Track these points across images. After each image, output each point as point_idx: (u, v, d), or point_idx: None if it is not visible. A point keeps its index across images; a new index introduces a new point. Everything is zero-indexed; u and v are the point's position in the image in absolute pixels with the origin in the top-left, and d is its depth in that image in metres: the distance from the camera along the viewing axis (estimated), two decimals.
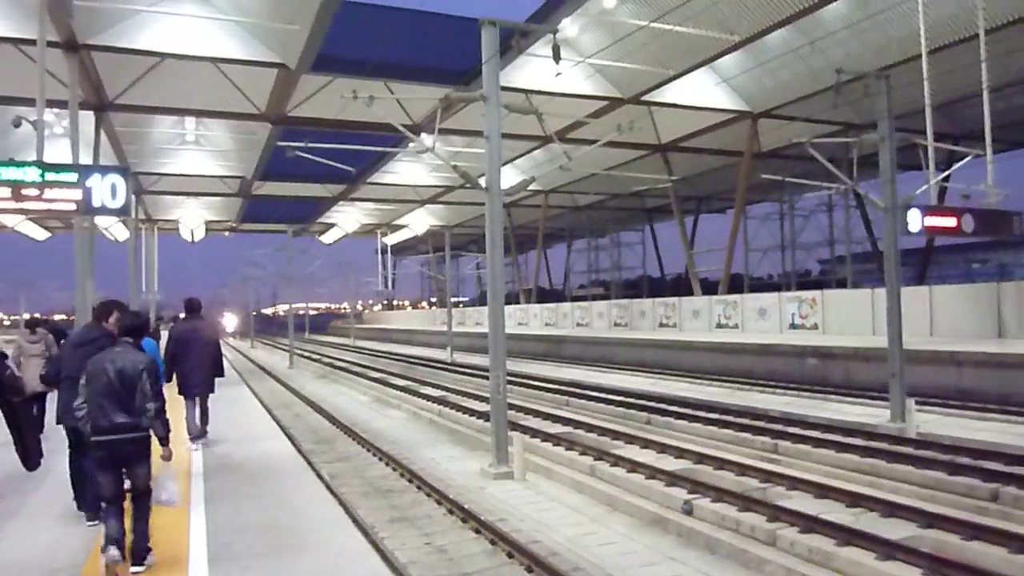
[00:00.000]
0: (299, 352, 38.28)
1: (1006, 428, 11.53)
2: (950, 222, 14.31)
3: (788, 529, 7.17)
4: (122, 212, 8.75)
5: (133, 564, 5.11)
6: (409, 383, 22.43)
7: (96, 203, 8.49)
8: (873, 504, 7.87)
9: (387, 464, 11.39)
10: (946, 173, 16.39)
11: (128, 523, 5.16)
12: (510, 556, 6.87)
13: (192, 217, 44.85)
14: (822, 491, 8.46)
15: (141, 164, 30.59)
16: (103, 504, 5.22)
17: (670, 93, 24.33)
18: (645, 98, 24.51)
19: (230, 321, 69.95)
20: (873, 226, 34.41)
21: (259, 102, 23.07)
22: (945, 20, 19.05)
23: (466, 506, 8.30)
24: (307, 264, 44.84)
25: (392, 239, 58.48)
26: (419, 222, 50.27)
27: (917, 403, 12.36)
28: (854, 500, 8.05)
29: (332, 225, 53.27)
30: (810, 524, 7.14)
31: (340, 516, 6.84)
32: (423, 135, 20.41)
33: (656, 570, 6.64)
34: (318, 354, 42.01)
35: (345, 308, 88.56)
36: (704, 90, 24.73)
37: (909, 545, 6.44)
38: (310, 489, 7.64)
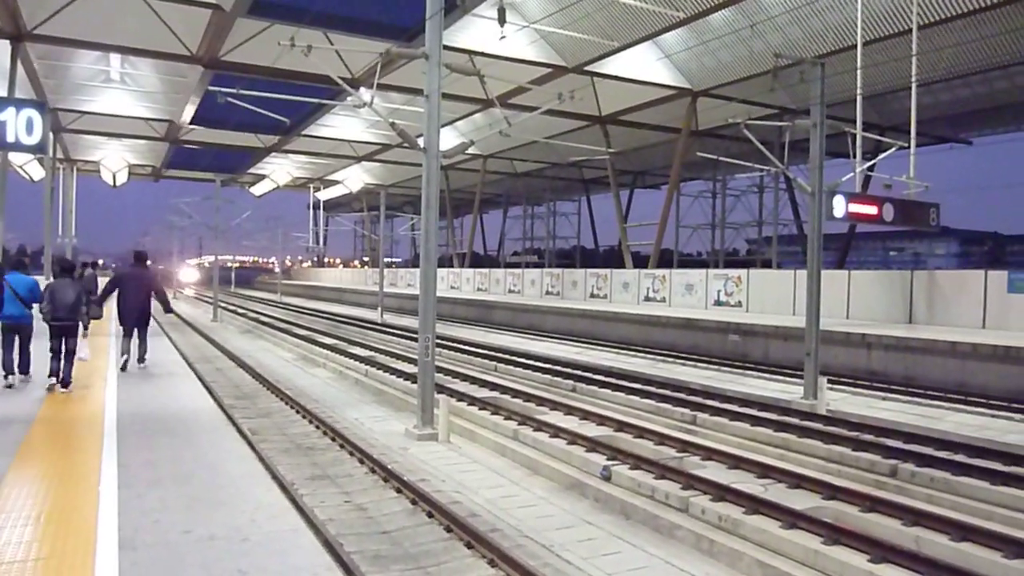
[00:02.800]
0: (223, 306, 37.37)
1: (907, 408, 12.15)
2: (872, 210, 14.91)
3: (700, 497, 7.42)
4: (38, 149, 8.31)
5: (62, 386, 9.45)
6: (336, 342, 22.18)
7: (10, 138, 8.02)
8: (782, 475, 8.23)
9: (310, 422, 11.28)
10: (871, 163, 16.95)
11: (62, 368, 9.47)
12: (430, 516, 6.92)
13: (114, 160, 42.94)
14: (735, 462, 8.78)
15: (60, 100, 29.11)
16: (51, 353, 9.43)
17: (613, 65, 24.39)
18: (588, 68, 24.53)
19: (189, 274, 72.12)
20: (800, 209, 35.58)
21: (191, 43, 22.14)
22: (881, 13, 19.60)
23: (388, 466, 8.31)
24: (235, 215, 43.61)
25: (325, 195, 57.32)
26: (354, 179, 49.36)
27: (829, 382, 12.92)
28: (764, 471, 8.39)
29: (263, 177, 51.85)
30: (721, 493, 7.42)
31: (260, 472, 6.73)
32: (361, 90, 19.95)
33: (572, 533, 6.80)
34: (243, 308, 41.09)
35: (273, 263, 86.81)
36: (646, 65, 24.88)
37: (812, 515, 6.76)
38: (230, 444, 7.50)
